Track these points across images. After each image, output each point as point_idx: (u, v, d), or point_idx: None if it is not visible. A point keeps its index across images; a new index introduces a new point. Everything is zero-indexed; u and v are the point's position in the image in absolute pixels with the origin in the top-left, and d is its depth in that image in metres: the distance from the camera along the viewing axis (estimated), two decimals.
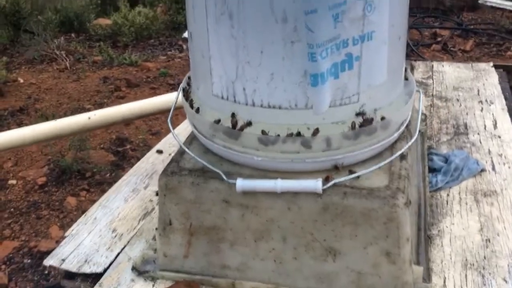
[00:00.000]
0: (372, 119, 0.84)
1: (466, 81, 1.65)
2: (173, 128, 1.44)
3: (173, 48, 5.51)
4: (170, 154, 1.34)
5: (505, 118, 1.39)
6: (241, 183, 0.83)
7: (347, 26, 0.76)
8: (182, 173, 0.90)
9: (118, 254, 1.00)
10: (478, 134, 1.33)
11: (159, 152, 1.35)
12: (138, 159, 3.45)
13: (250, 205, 0.86)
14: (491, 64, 1.77)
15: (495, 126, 1.36)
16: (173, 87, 4.36)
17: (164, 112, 1.60)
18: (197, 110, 0.91)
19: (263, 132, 0.83)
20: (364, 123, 0.83)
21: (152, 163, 1.31)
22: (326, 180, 0.82)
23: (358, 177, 0.83)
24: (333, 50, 0.76)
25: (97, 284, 0.93)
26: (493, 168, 1.18)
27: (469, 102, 1.50)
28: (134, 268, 0.96)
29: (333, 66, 0.77)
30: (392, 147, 0.91)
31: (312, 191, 0.81)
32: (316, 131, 0.82)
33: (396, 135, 0.90)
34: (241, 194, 0.85)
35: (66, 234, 1.05)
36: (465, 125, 1.37)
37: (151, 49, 5.46)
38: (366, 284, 0.84)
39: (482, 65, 1.77)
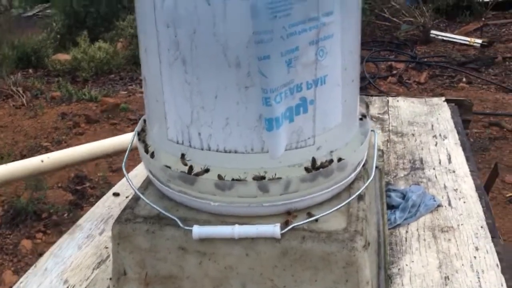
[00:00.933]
0: (328, 161, 0.84)
1: (421, 115, 1.69)
2: (132, 170, 1.40)
3: (134, 82, 5.48)
4: (127, 197, 1.30)
5: (459, 153, 1.43)
6: (198, 230, 0.81)
7: (300, 71, 0.76)
8: (137, 220, 0.87)
9: None
10: (434, 169, 1.35)
11: (116, 195, 1.32)
12: (98, 197, 3.36)
13: (207, 252, 0.84)
14: (443, 98, 1.83)
15: (449, 160, 1.39)
16: (134, 122, 4.31)
17: (121, 153, 1.57)
18: (152, 155, 0.90)
19: (219, 176, 0.82)
20: (321, 166, 0.83)
21: (108, 207, 1.26)
22: (285, 224, 0.81)
23: (316, 220, 0.83)
24: (287, 94, 0.76)
25: None
26: (449, 203, 1.20)
27: (424, 137, 1.54)
28: None
29: (288, 110, 0.77)
30: (349, 187, 0.91)
31: (271, 236, 0.80)
32: (273, 175, 0.81)
33: (353, 175, 0.90)
34: (198, 241, 0.82)
35: (14, 287, 1.00)
36: (421, 160, 1.40)
37: (111, 84, 5.42)
38: None
39: (435, 100, 1.83)
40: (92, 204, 3.05)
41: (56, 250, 1.11)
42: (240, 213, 0.84)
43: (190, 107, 0.80)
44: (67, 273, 1.04)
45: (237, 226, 0.81)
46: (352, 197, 0.86)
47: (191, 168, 0.83)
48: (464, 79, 4.83)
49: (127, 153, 0.99)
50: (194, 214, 0.86)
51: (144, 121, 1.01)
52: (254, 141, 0.80)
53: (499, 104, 4.17)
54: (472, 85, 4.70)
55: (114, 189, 1.34)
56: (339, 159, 0.85)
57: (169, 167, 0.85)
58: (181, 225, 0.83)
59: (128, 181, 0.93)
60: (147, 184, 0.96)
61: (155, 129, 0.90)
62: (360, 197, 0.88)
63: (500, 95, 4.43)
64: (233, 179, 0.81)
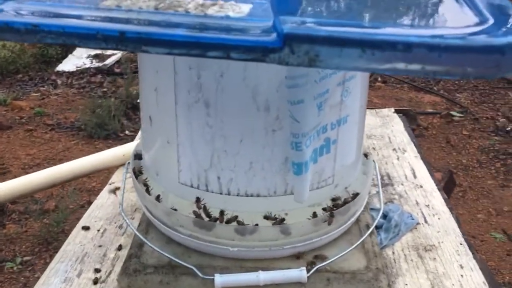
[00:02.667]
0: (347, 199, 0.83)
1: (376, 128, 1.75)
2: (92, 203, 1.30)
3: (45, 83, 5.12)
4: (98, 230, 1.21)
5: (421, 166, 1.49)
6: (220, 279, 0.77)
7: (327, 112, 0.75)
8: (147, 271, 0.81)
9: None
10: (402, 184, 1.40)
11: (85, 228, 1.21)
12: (21, 213, 3.10)
13: None
14: (392, 110, 1.90)
15: (414, 175, 1.45)
16: (52, 128, 4.03)
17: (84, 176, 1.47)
18: (158, 198, 0.83)
19: (238, 222, 0.78)
20: (342, 203, 0.82)
21: (80, 243, 1.16)
22: (309, 265, 0.80)
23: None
24: (315, 137, 0.74)
25: None
26: (425, 221, 1.25)
27: (385, 151, 1.59)
28: None
29: (314, 152, 0.76)
30: (357, 220, 0.91)
31: (297, 281, 0.78)
32: (293, 218, 0.79)
33: (361, 208, 0.91)
34: None
35: None
36: (388, 176, 1.45)
37: (20, 86, 5.02)
38: None
39: (385, 111, 1.90)
40: (15, 221, 2.81)
41: None
42: (259, 257, 0.81)
43: (210, 150, 0.76)
44: None
45: (261, 272, 0.78)
46: (368, 232, 0.86)
47: (209, 213, 0.79)
48: (379, 78, 5.09)
49: (122, 197, 0.92)
50: (209, 260, 0.82)
51: (136, 156, 0.95)
52: (278, 184, 0.77)
53: (413, 102, 4.44)
54: (387, 84, 4.96)
55: (82, 222, 1.24)
56: (356, 194, 0.85)
57: (181, 212, 0.80)
58: (199, 274, 0.78)
59: (133, 230, 0.86)
60: (146, 228, 0.89)
61: (161, 171, 0.84)
62: (372, 231, 0.89)
63: (413, 93, 4.72)
64: (254, 224, 0.78)
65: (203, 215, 0.79)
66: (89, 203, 2.88)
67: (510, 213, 2.93)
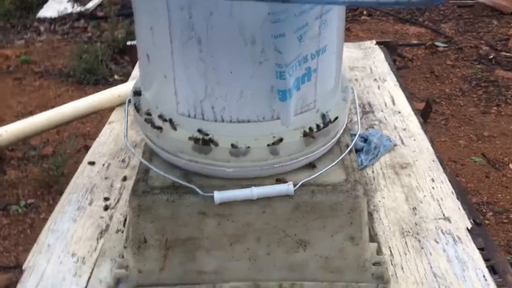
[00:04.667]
0: (329, 121, 0.94)
1: (358, 60, 1.84)
2: (88, 147, 1.40)
3: (29, 31, 5.07)
4: (103, 165, 1.32)
5: (400, 94, 1.60)
6: (219, 195, 0.88)
7: (307, 44, 0.83)
8: (154, 192, 0.92)
9: (89, 278, 0.99)
10: (382, 111, 1.51)
11: (91, 163, 1.32)
12: (20, 159, 3.19)
13: (226, 213, 0.92)
14: (374, 42, 1.98)
15: (393, 102, 1.56)
16: (40, 75, 4.04)
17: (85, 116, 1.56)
18: (160, 129, 0.93)
19: (233, 145, 0.89)
20: (324, 126, 0.93)
21: (88, 176, 1.27)
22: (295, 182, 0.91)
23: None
24: (297, 66, 0.83)
25: None
26: (402, 142, 1.37)
27: (367, 81, 1.69)
28: None
29: (296, 80, 0.85)
30: (338, 142, 1.02)
31: (285, 194, 0.90)
32: (281, 139, 0.89)
33: (341, 131, 1.01)
34: (218, 205, 0.90)
35: (24, 267, 1.01)
36: (369, 104, 1.55)
37: (3, 34, 4.96)
38: (333, 267, 0.96)
39: (367, 43, 1.98)
40: (15, 167, 2.90)
41: (52, 226, 1.11)
42: (252, 176, 0.92)
43: (204, 83, 0.85)
44: (72, 247, 1.06)
45: (254, 188, 0.89)
46: (347, 151, 0.97)
47: (205, 138, 0.89)
48: (365, 12, 5.08)
49: (125, 128, 1.01)
50: (208, 181, 0.93)
51: (135, 92, 1.03)
52: (266, 110, 0.87)
53: (399, 35, 4.48)
54: (373, 18, 4.97)
55: (88, 158, 1.34)
56: (335, 118, 0.95)
57: (181, 139, 0.90)
58: (200, 192, 0.89)
59: (139, 157, 0.96)
60: (150, 156, 1.00)
61: (161, 104, 0.93)
62: (350, 150, 1.00)
63: (399, 26, 4.74)
64: (246, 146, 0.88)
65: (200, 141, 0.89)
66: (86, 147, 2.98)
67: (490, 138, 3.08)
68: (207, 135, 0.89)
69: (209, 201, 0.90)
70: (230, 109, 0.86)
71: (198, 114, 0.88)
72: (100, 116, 3.06)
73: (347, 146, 1.01)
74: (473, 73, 3.79)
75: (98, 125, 3.19)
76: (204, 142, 0.89)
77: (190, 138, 0.90)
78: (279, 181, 0.93)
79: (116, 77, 3.83)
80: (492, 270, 1.00)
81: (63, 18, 4.98)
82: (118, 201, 1.19)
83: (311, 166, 0.96)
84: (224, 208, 0.91)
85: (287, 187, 0.89)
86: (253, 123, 0.88)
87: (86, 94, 3.59)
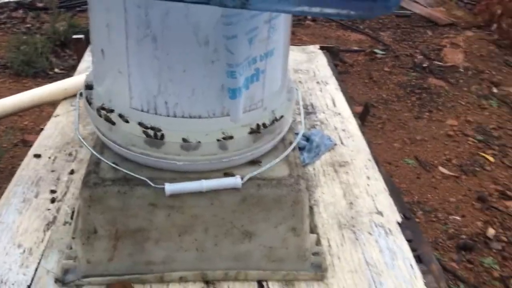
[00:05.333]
0: (275, 119, 1.00)
1: (302, 63, 1.92)
2: (26, 141, 1.39)
3: None
4: (50, 158, 1.32)
5: (340, 97, 1.69)
6: (170, 187, 0.92)
7: (257, 46, 0.89)
8: (106, 183, 0.94)
9: (36, 269, 1.00)
10: (324, 112, 1.60)
11: (37, 156, 1.31)
12: None
13: (175, 205, 0.96)
14: (318, 46, 2.07)
15: (334, 104, 1.65)
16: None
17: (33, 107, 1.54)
18: (112, 122, 0.96)
19: (184, 139, 0.93)
20: (270, 124, 0.99)
21: (33, 169, 1.27)
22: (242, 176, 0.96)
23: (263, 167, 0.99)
24: (246, 67, 0.89)
25: None
26: (342, 142, 1.45)
27: (310, 84, 1.77)
28: (57, 280, 0.98)
29: (246, 80, 0.90)
30: (283, 139, 1.08)
31: (233, 187, 0.95)
32: (231, 135, 0.95)
33: (286, 129, 1.08)
34: (168, 196, 0.93)
35: None
36: (312, 105, 1.63)
37: None
38: (276, 256, 1.02)
39: (311, 48, 2.07)
40: None
41: None
42: (201, 169, 0.97)
43: (158, 80, 0.88)
44: (18, 238, 1.06)
45: (204, 181, 0.94)
46: (291, 148, 1.04)
47: (157, 133, 0.93)
48: (309, 17, 5.23)
49: (76, 121, 1.03)
50: (159, 174, 0.96)
51: (87, 86, 1.05)
52: (216, 107, 0.92)
53: (341, 40, 4.65)
54: (317, 23, 5.13)
55: (33, 150, 1.33)
56: (281, 117, 1.01)
57: (134, 133, 0.93)
58: (152, 184, 0.93)
59: (90, 150, 0.98)
60: (101, 149, 1.02)
61: (114, 98, 0.95)
62: (294, 147, 1.07)
63: (341, 32, 4.92)
64: (197, 141, 0.93)
65: (152, 135, 0.92)
66: (23, 141, 2.90)
67: (421, 142, 3.28)
68: (159, 129, 0.93)
69: (160, 193, 0.93)
70: (182, 105, 0.91)
71: (151, 109, 0.92)
72: (39, 109, 2.98)
73: (291, 143, 1.07)
74: (408, 80, 4.00)
75: (37, 119, 3.11)
76: (155, 136, 0.93)
77: (142, 132, 0.93)
78: (227, 175, 0.98)
79: (56, 70, 3.73)
80: (419, 259, 1.10)
81: (0, 7, 4.78)
82: (65, 194, 1.20)
83: (257, 161, 1.01)
84: (174, 200, 0.94)
85: (235, 180, 0.95)
86: (204, 119, 0.92)
87: (25, 86, 3.49)
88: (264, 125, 0.99)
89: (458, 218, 2.65)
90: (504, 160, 3.11)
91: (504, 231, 2.56)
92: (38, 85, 1.81)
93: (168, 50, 0.85)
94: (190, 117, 0.92)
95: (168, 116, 0.92)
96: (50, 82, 1.68)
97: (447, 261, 2.35)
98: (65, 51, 3.97)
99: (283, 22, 0.93)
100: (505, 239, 2.50)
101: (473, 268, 2.38)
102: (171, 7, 0.81)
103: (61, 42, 3.99)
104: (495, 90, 3.87)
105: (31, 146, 1.37)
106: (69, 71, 3.67)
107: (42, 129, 1.47)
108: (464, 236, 2.53)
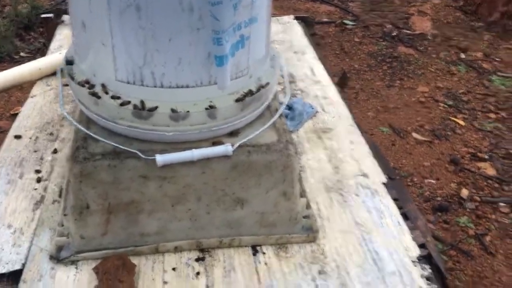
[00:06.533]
0: (261, 86, 1.00)
1: (278, 34, 1.92)
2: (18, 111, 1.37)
3: None
4: (31, 138, 1.29)
5: (319, 65, 1.70)
6: (161, 158, 0.92)
7: (241, 12, 0.89)
8: (96, 158, 0.93)
9: (29, 248, 0.99)
10: (303, 81, 1.61)
11: (17, 137, 1.29)
12: None
13: (167, 176, 0.96)
14: (292, 17, 2.07)
15: (313, 73, 1.66)
16: None
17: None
18: (97, 96, 0.94)
19: (172, 110, 0.93)
20: (256, 91, 0.99)
21: (15, 150, 1.24)
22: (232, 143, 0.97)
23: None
24: (232, 34, 0.89)
25: (21, 281, 0.92)
26: (323, 109, 1.47)
27: (287, 54, 1.77)
28: (51, 257, 0.98)
29: (231, 47, 0.90)
30: (268, 107, 1.09)
31: (223, 154, 0.96)
32: (219, 104, 0.95)
33: (272, 96, 1.08)
34: (159, 167, 0.94)
35: None
36: (291, 75, 1.64)
37: None
38: (268, 221, 1.04)
39: (285, 18, 2.06)
40: None
41: None
42: (191, 139, 0.97)
43: (143, 50, 0.87)
44: (7, 219, 1.05)
45: (194, 150, 0.94)
46: (278, 114, 1.05)
47: (145, 104, 0.92)
48: None
49: (60, 96, 1.01)
50: (149, 146, 0.96)
51: (68, 61, 1.03)
52: (203, 76, 0.92)
53: (310, 12, 4.64)
54: None
55: (13, 132, 1.31)
56: (267, 84, 1.02)
57: (121, 105, 0.92)
58: (142, 156, 0.93)
59: (75, 125, 0.97)
60: (87, 124, 1.01)
61: (98, 71, 0.94)
62: (280, 114, 1.08)
63: (310, 4, 4.91)
64: (186, 111, 0.93)
65: (140, 106, 0.92)
66: None
67: (394, 109, 3.33)
68: (147, 101, 0.92)
69: (151, 165, 0.93)
70: (169, 75, 0.90)
71: (137, 80, 0.91)
72: (7, 95, 2.90)
73: (277, 110, 1.08)
74: (378, 49, 4.04)
75: (6, 105, 3.03)
76: (143, 108, 0.92)
77: (129, 104, 0.92)
78: (216, 143, 0.98)
79: (22, 54, 3.62)
80: (405, 217, 1.13)
81: None
82: (50, 173, 1.18)
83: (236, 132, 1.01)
84: (165, 170, 0.95)
85: (225, 148, 0.95)
86: (191, 88, 0.92)
87: None
88: (250, 92, 0.99)
89: (432, 181, 2.72)
90: (474, 123, 3.20)
91: (477, 191, 2.65)
92: (3, 70, 1.76)
93: (152, 19, 0.84)
94: (178, 87, 0.92)
95: (155, 87, 0.91)
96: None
97: None
98: (30, 34, 3.85)
99: None
100: (478, 198, 2.59)
101: (449, 228, 2.46)
102: None
103: (24, 25, 3.86)
104: (462, 55, 3.95)
105: (2, 132, 1.34)
106: (35, 54, 3.57)
107: (12, 114, 1.44)
108: (439, 198, 2.61)
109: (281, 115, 1.08)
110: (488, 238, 2.40)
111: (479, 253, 2.33)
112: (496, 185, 2.74)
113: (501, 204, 2.57)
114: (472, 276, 2.25)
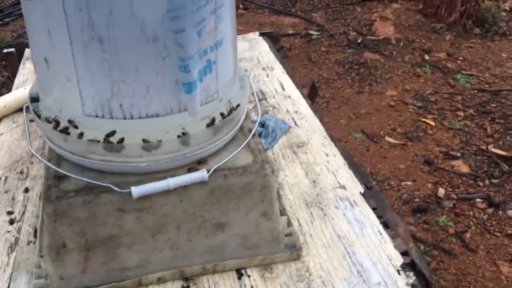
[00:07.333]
0: (232, 109, 1.00)
1: (245, 51, 1.92)
2: None
3: None
4: (0, 179, 1.26)
5: (288, 80, 1.71)
6: (137, 190, 0.91)
7: (205, 38, 0.88)
8: (69, 195, 0.91)
9: None
10: (274, 97, 1.61)
11: None
12: None
13: (145, 207, 0.94)
14: (258, 33, 2.08)
15: (283, 88, 1.67)
16: None
17: None
18: (66, 132, 0.93)
19: (144, 140, 0.91)
20: (228, 113, 0.99)
21: None
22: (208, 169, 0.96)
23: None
24: (198, 59, 0.89)
25: None
26: (296, 124, 1.48)
27: (256, 70, 1.78)
28: None
29: (199, 72, 0.90)
30: (241, 127, 1.09)
31: (200, 181, 0.94)
32: (191, 130, 0.94)
33: (243, 117, 1.08)
34: (136, 199, 0.92)
35: None
36: (261, 92, 1.65)
37: None
38: (251, 243, 1.03)
39: (251, 35, 2.07)
40: None
41: None
42: (166, 168, 0.96)
43: (110, 82, 0.86)
44: None
45: (170, 178, 0.93)
46: (251, 134, 1.05)
47: (116, 138, 0.91)
48: (241, 6, 5.24)
49: (27, 133, 0.99)
50: (123, 178, 0.94)
51: (33, 99, 1.01)
52: (173, 104, 0.91)
53: (275, 25, 4.69)
54: (249, 11, 5.14)
55: None
56: (238, 105, 1.02)
57: (91, 141, 0.91)
58: (117, 189, 0.91)
59: (47, 164, 0.95)
60: (57, 162, 0.98)
61: (64, 108, 0.92)
62: (254, 134, 1.08)
63: (274, 17, 4.97)
64: (158, 140, 0.92)
65: (111, 140, 0.90)
66: None
67: (366, 115, 3.38)
68: (117, 134, 0.91)
69: (126, 197, 0.92)
70: (138, 106, 0.89)
71: (106, 113, 0.90)
72: None
73: (250, 130, 1.08)
74: (345, 57, 4.10)
75: None
76: (114, 141, 0.91)
77: (99, 139, 0.91)
78: (191, 170, 0.97)
79: None
80: (385, 225, 1.14)
81: None
82: (23, 213, 1.15)
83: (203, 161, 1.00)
84: (142, 202, 0.93)
85: (201, 174, 0.94)
86: (162, 117, 0.91)
87: None
88: (222, 115, 0.99)
89: (409, 183, 2.76)
90: (444, 123, 3.27)
91: (453, 189, 2.70)
92: None
93: (116, 50, 0.83)
94: (148, 116, 0.91)
95: (124, 118, 0.90)
96: None
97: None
98: None
99: (228, 10, 0.93)
100: (455, 196, 2.64)
101: (429, 228, 2.50)
102: (113, 5, 0.79)
103: None
104: (427, 57, 4.05)
105: None
106: (1, 88, 3.50)
107: None
108: (417, 199, 2.65)
109: (254, 134, 1.08)
110: (468, 235, 2.44)
111: (460, 250, 2.37)
112: (471, 181, 2.79)
113: (478, 200, 2.62)
114: (456, 274, 2.28)
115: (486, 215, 2.54)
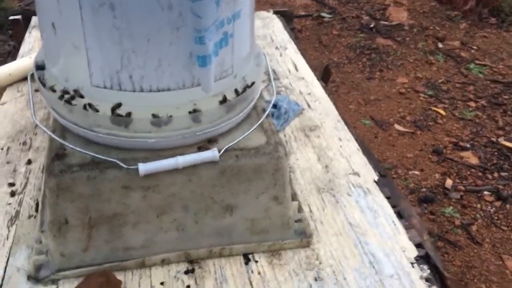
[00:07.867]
0: (246, 86, 0.95)
1: (258, 29, 1.86)
2: None
3: None
4: (2, 149, 1.21)
5: (302, 61, 1.65)
6: (144, 167, 0.86)
7: (224, 8, 0.83)
8: (73, 169, 0.87)
9: (5, 268, 0.92)
10: (287, 77, 1.56)
11: None
12: None
13: (151, 185, 0.90)
14: (271, 11, 2.02)
15: (296, 69, 1.61)
16: None
17: None
18: (72, 103, 0.88)
19: (154, 115, 0.87)
20: (242, 91, 0.94)
21: None
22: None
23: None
24: (214, 31, 0.83)
25: None
26: (309, 106, 1.43)
27: (269, 49, 1.72)
28: (30, 277, 0.91)
29: (214, 45, 0.85)
30: (255, 107, 1.04)
31: (211, 160, 0.90)
32: (203, 107, 0.89)
33: (257, 95, 1.03)
34: (142, 177, 0.88)
35: None
36: (274, 71, 1.59)
37: None
38: (260, 228, 0.99)
39: (264, 13, 2.01)
40: None
41: None
42: (174, 145, 0.91)
43: (120, 52, 0.81)
44: None
45: (179, 157, 0.89)
46: (265, 115, 1.00)
47: (124, 110, 0.86)
48: None
49: (31, 104, 0.94)
50: (130, 154, 0.90)
51: (39, 66, 0.96)
52: (186, 78, 0.86)
53: (287, 6, 4.59)
54: None
55: None
56: (252, 83, 0.97)
57: (98, 112, 0.86)
58: (123, 165, 0.87)
59: (50, 135, 0.90)
60: (62, 133, 0.94)
61: (71, 77, 0.87)
62: (268, 114, 1.03)
63: None
64: (168, 116, 0.87)
65: (119, 113, 0.86)
66: None
67: (375, 101, 3.31)
68: (126, 106, 0.86)
69: (133, 174, 0.87)
70: (148, 78, 0.84)
71: (115, 85, 0.85)
72: None
73: (264, 110, 1.03)
74: (356, 41, 4.02)
75: None
76: (122, 114, 0.86)
77: (107, 111, 0.86)
78: (202, 148, 0.93)
79: None
80: (399, 215, 1.10)
81: None
82: (25, 185, 1.11)
83: (230, 132, 0.96)
84: (148, 180, 0.89)
85: (212, 153, 0.90)
86: (173, 91, 0.86)
87: None
88: (236, 92, 0.94)
89: (417, 172, 2.71)
90: (455, 113, 3.21)
91: (461, 180, 2.65)
92: None
93: (128, 18, 0.78)
94: (158, 90, 0.86)
95: (134, 91, 0.85)
96: None
97: None
98: None
99: None
100: (462, 188, 2.59)
101: (435, 218, 2.45)
102: None
103: None
104: (440, 45, 3.96)
105: None
106: (6, 57, 3.45)
107: None
108: (424, 189, 2.60)
109: (268, 115, 1.03)
110: (474, 228, 2.40)
111: (466, 242, 2.33)
112: (480, 173, 2.74)
113: (486, 192, 2.57)
114: (461, 266, 2.25)
115: (494, 208, 2.50)
